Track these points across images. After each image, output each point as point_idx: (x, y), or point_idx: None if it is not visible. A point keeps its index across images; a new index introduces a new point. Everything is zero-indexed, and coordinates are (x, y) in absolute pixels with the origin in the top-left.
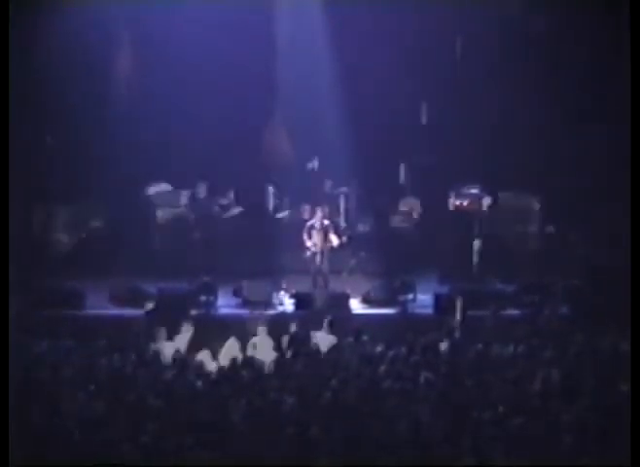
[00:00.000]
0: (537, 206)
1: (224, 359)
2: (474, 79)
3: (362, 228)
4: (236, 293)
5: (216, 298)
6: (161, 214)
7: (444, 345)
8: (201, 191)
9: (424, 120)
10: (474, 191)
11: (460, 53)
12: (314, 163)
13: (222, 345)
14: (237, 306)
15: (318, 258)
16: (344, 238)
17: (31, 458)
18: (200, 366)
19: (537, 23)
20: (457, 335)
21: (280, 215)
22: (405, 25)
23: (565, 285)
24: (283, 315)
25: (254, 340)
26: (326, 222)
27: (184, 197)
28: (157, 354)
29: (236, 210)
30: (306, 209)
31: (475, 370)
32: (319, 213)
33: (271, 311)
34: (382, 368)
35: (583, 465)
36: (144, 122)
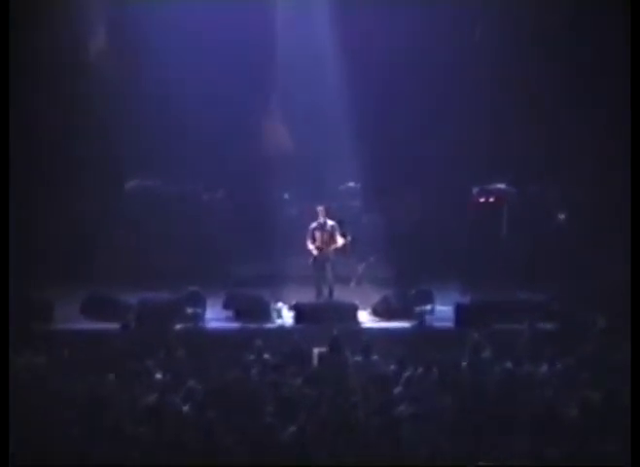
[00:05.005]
0: (572, 204)
1: None
2: (492, 68)
3: (371, 229)
4: (227, 304)
5: (204, 310)
6: (143, 213)
7: (466, 364)
8: (189, 186)
9: (440, 107)
10: (500, 186)
11: (473, 43)
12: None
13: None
14: (229, 320)
15: (322, 264)
16: (349, 239)
17: None
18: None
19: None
20: (482, 350)
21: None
22: (421, 11)
23: (603, 293)
24: (281, 330)
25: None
26: (330, 222)
27: (168, 193)
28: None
29: None
30: (317, 210)
31: (502, 392)
32: (323, 212)
33: (268, 325)
34: (396, 390)
35: (583, 465)
36: (121, 111)
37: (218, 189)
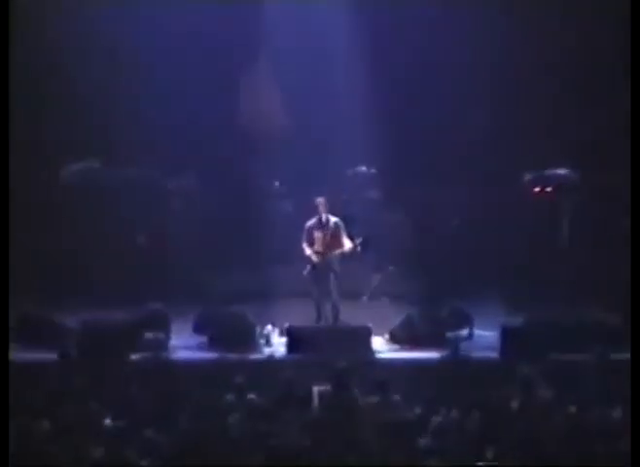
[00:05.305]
0: None
1: None
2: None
3: (390, 228)
4: (199, 328)
5: (169, 334)
6: (86, 206)
7: (516, 407)
8: (149, 172)
9: (481, 74)
10: (560, 171)
11: None
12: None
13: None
14: (201, 348)
15: (323, 274)
16: (359, 241)
17: None
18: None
19: None
20: (537, 389)
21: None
22: None
23: None
24: (271, 361)
25: None
26: (334, 219)
27: (121, 180)
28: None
29: None
30: (317, 202)
31: (564, 444)
32: (324, 206)
33: (254, 356)
34: (423, 441)
35: (583, 465)
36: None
37: (187, 175)
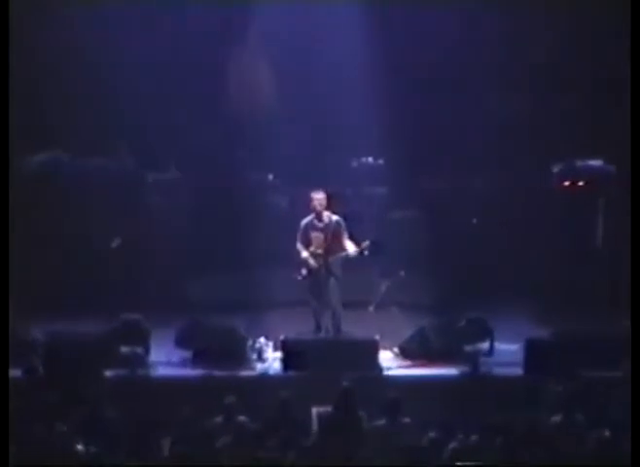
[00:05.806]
0: None
1: None
2: None
3: (401, 228)
4: (183, 341)
5: (148, 349)
6: (52, 203)
7: (545, 428)
8: (126, 163)
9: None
10: (594, 162)
11: None
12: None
13: None
14: (185, 364)
15: (322, 280)
16: (365, 244)
17: None
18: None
19: None
20: (566, 410)
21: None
22: None
23: None
24: (264, 379)
25: None
26: (335, 218)
27: (94, 173)
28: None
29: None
30: (314, 197)
31: None
32: (322, 201)
33: (245, 373)
34: None
35: (583, 465)
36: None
37: (169, 167)
